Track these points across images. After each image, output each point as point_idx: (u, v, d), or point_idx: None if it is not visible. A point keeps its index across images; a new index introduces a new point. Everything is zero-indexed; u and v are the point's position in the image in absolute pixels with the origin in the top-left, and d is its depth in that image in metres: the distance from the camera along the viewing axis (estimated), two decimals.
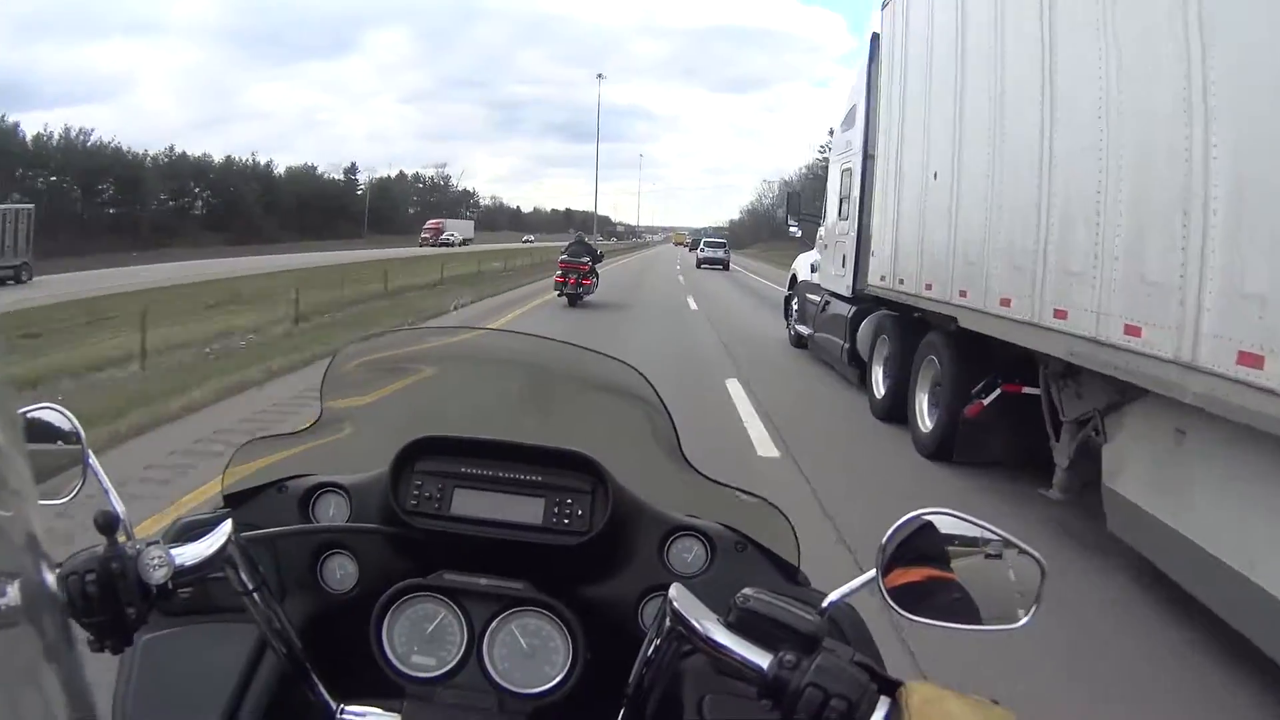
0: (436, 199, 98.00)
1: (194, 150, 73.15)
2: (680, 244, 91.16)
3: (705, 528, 1.09)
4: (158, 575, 0.78)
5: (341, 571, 1.06)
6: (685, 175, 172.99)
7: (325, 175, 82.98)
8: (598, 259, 16.83)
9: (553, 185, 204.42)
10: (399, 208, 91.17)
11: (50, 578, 0.41)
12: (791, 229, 11.97)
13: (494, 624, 0.97)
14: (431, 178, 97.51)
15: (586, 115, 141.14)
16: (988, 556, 0.83)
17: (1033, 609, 0.82)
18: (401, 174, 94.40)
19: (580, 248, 16.68)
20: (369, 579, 1.04)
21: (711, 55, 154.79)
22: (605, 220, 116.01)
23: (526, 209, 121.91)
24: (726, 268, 43.38)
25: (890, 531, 0.81)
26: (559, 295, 16.22)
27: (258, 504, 1.10)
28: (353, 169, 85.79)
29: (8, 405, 0.41)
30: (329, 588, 1.06)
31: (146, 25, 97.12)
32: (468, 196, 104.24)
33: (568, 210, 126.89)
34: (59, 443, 0.92)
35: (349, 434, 1.23)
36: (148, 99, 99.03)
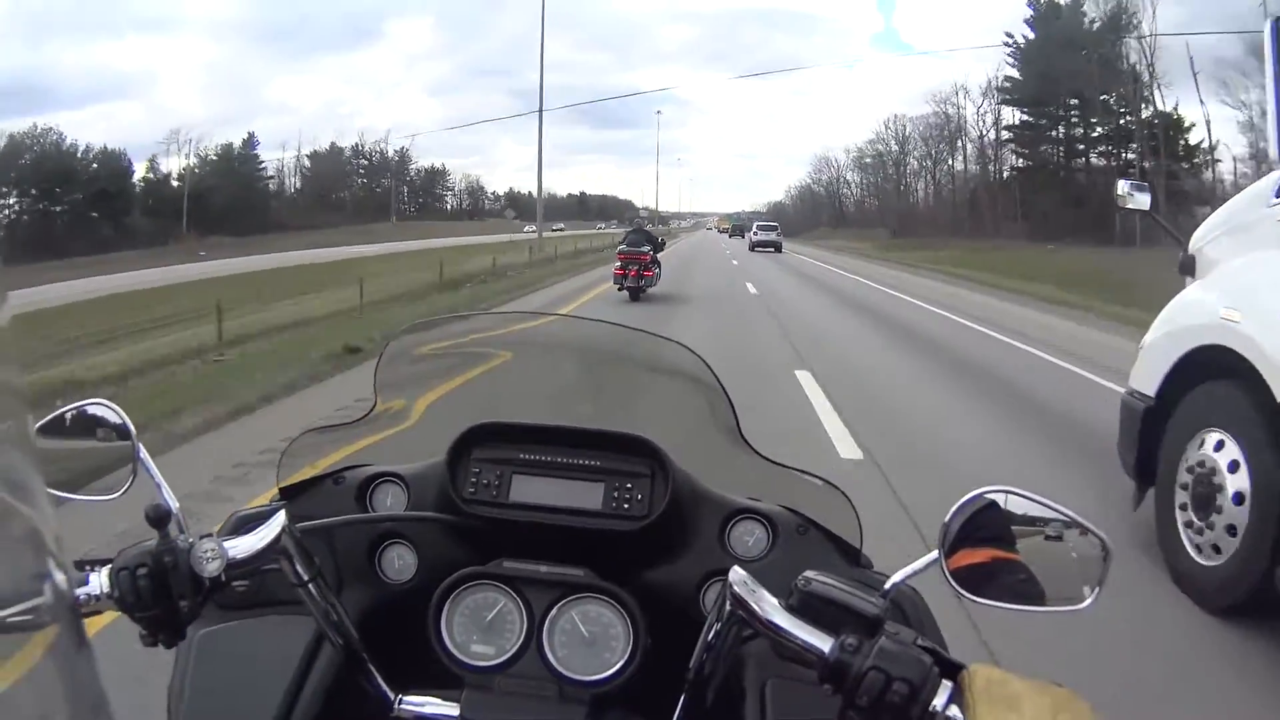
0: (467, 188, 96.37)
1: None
2: (723, 229, 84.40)
3: (767, 510, 1.07)
4: (211, 567, 0.78)
5: (400, 561, 1.06)
6: (715, 160, 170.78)
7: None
8: (659, 248, 15.52)
9: (580, 172, 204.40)
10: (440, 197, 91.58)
11: (61, 578, 0.40)
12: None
13: (554, 611, 0.96)
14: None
15: (614, 102, 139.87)
16: (1051, 536, 0.81)
17: (1096, 591, 0.79)
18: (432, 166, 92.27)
19: (640, 236, 15.37)
20: (427, 568, 1.04)
21: (739, 39, 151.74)
22: (627, 205, 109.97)
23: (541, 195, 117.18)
24: (779, 250, 43.96)
25: (953, 511, 0.79)
26: (618, 289, 14.84)
27: (314, 495, 1.10)
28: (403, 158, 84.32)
29: (18, 406, 0.40)
30: (387, 578, 1.05)
31: (162, 22, 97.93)
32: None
33: (582, 194, 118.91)
34: (110, 438, 0.93)
35: (405, 423, 1.23)
36: (169, 95, 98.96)
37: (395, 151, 79.32)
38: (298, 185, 72.40)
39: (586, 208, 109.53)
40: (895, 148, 67.83)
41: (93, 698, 0.41)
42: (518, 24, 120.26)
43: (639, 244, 14.94)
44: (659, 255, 15.21)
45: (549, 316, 1.59)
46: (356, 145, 77.48)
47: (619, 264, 14.86)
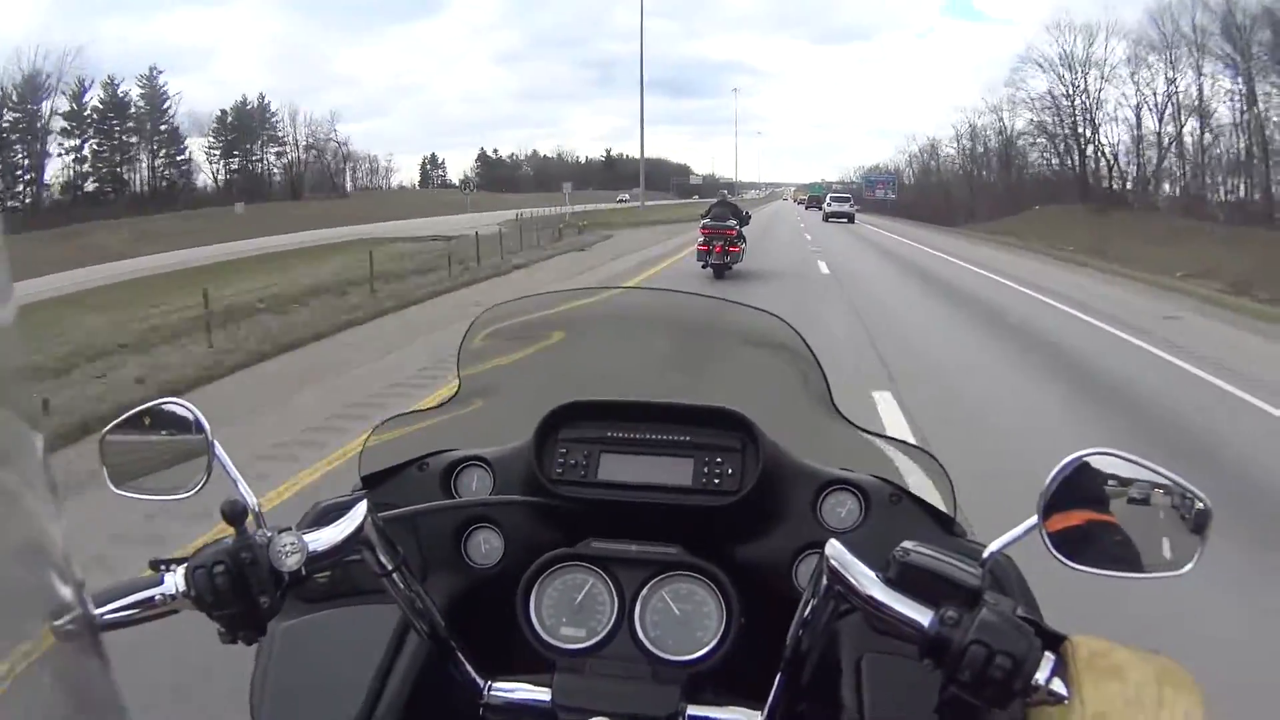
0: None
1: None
2: (799, 200, 78.35)
3: (859, 480, 1.05)
4: (290, 562, 0.76)
5: (486, 546, 1.05)
6: (788, 130, 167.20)
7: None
8: (745, 221, 14.18)
9: (658, 142, 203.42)
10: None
11: (68, 591, 0.39)
12: None
13: (644, 591, 0.95)
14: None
15: (685, 71, 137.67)
16: (1148, 499, 0.77)
17: (1197, 554, 0.75)
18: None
19: (724, 209, 14.05)
20: (514, 552, 1.03)
21: (811, 5, 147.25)
22: (684, 170, 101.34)
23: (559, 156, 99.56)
24: (852, 220, 43.35)
25: (1052, 475, 0.75)
26: (703, 266, 13.55)
27: (398, 483, 1.09)
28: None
29: (24, 413, 0.39)
30: (473, 563, 1.05)
31: None
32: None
33: (608, 154, 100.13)
34: (184, 435, 0.91)
35: (489, 405, 1.22)
36: (231, 68, 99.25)
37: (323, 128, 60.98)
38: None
39: (614, 169, 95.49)
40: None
41: (109, 711, 0.40)
42: None
43: (724, 217, 13.78)
44: (744, 230, 14.17)
45: (636, 290, 1.56)
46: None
47: (702, 239, 13.66)
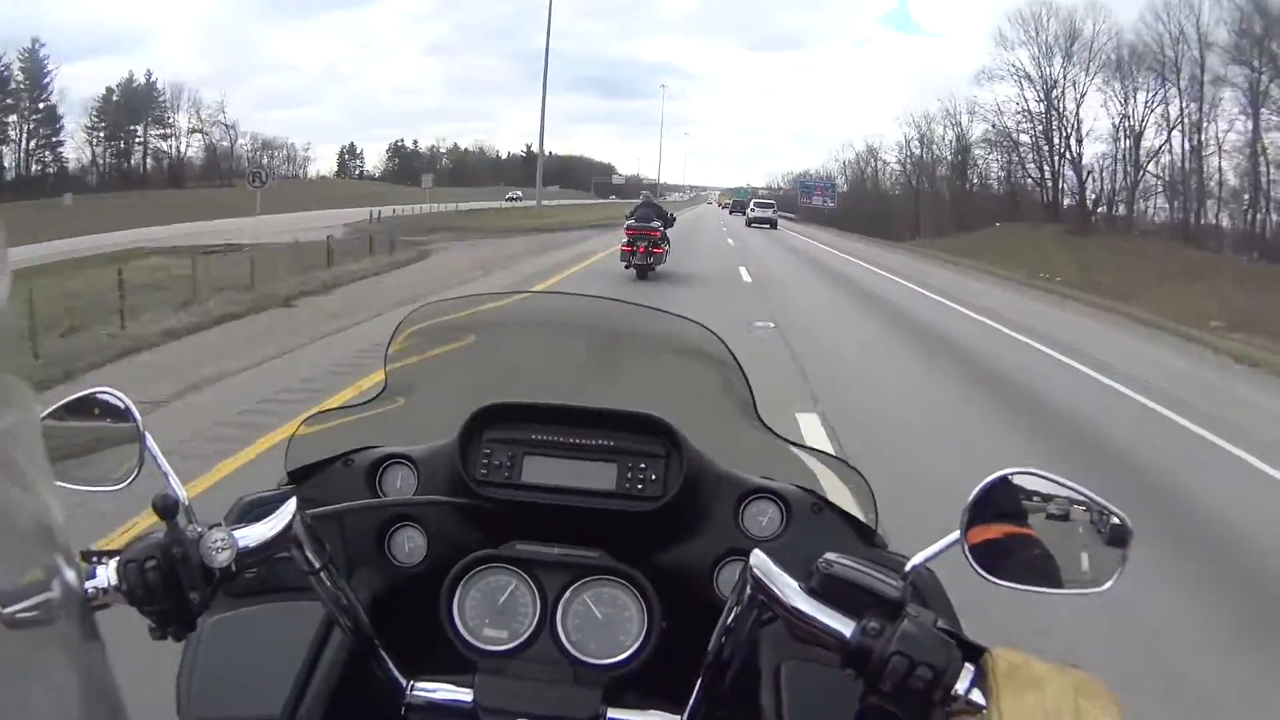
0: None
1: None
2: (724, 205, 75.74)
3: (781, 490, 1.06)
4: (221, 558, 0.77)
5: (410, 545, 1.06)
6: (716, 135, 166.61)
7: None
8: (669, 223, 14.29)
9: (584, 141, 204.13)
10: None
11: (71, 574, 0.40)
12: None
13: (567, 594, 0.96)
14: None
15: (616, 71, 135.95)
16: (1067, 515, 0.79)
17: (1117, 572, 0.78)
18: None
19: (649, 210, 14.07)
20: (438, 552, 1.04)
21: (746, 10, 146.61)
22: (607, 169, 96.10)
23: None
24: (774, 226, 41.72)
25: (975, 492, 0.77)
26: (626, 267, 13.62)
27: (324, 479, 1.10)
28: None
29: (24, 398, 0.40)
30: (397, 562, 1.05)
31: None
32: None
33: (528, 150, 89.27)
34: (114, 424, 0.91)
35: (415, 403, 1.23)
36: (167, 51, 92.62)
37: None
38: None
39: (529, 165, 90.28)
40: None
41: (105, 689, 0.40)
42: None
43: (648, 219, 13.80)
44: (668, 231, 14.29)
45: (563, 295, 1.58)
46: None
47: (626, 240, 13.67)
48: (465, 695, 0.91)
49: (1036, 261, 25.43)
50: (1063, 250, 28.51)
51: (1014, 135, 40.81)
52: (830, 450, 1.18)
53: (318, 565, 0.85)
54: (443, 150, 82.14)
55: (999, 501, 0.77)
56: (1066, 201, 38.19)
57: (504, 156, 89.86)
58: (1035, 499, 0.78)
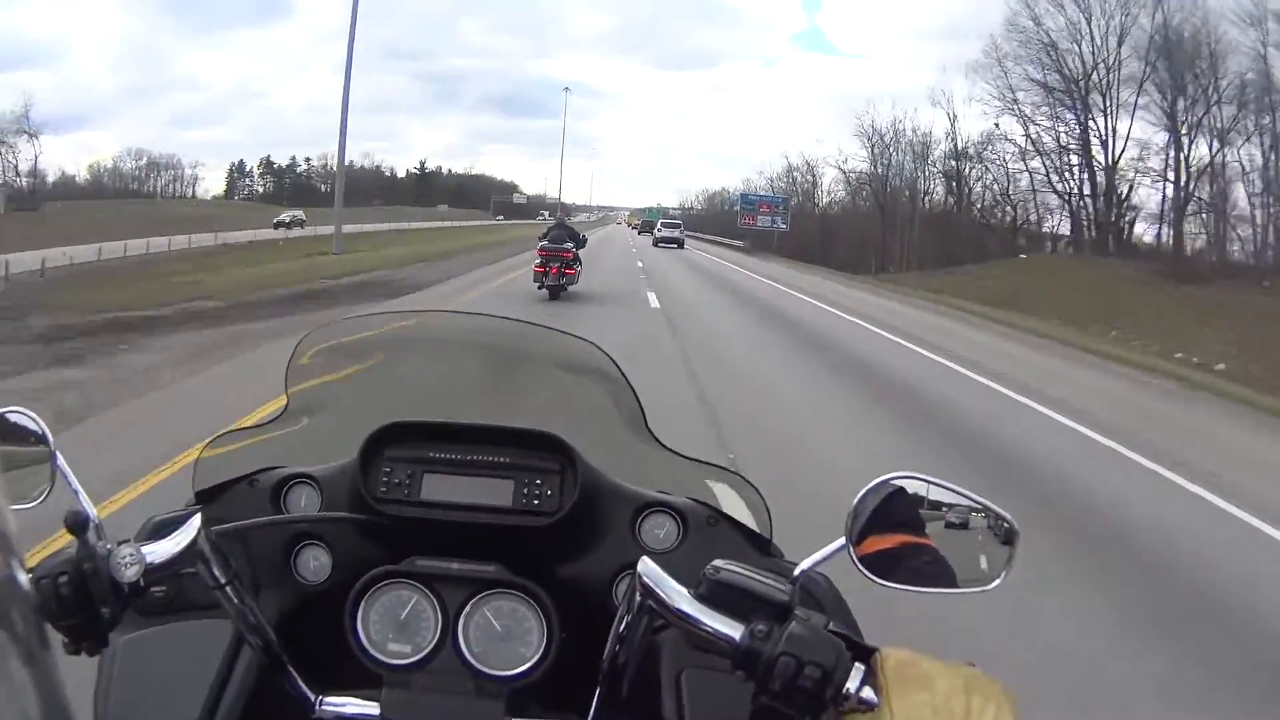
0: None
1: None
2: (633, 225, 73.14)
3: (676, 503, 1.09)
4: (130, 573, 0.78)
5: (315, 562, 1.06)
6: (626, 154, 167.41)
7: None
8: (581, 244, 14.69)
9: (491, 161, 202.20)
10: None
11: (24, 578, 0.41)
12: None
13: (467, 608, 0.98)
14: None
15: (526, 89, 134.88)
16: (960, 521, 0.85)
17: (1005, 571, 0.84)
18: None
19: (562, 232, 14.48)
20: (342, 569, 1.05)
21: (658, 30, 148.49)
22: (510, 187, 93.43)
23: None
24: (682, 245, 40.23)
25: (858, 498, 0.82)
26: (539, 288, 13.93)
27: (230, 499, 1.10)
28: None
29: None
30: (303, 579, 1.06)
31: None
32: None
33: (422, 166, 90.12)
34: (27, 445, 0.92)
35: (316, 423, 1.24)
36: (81, 66, 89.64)
37: None
38: None
39: (429, 186, 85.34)
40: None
41: (55, 699, 0.41)
42: (429, 4, 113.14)
43: (561, 240, 14.14)
44: (580, 253, 14.61)
45: (461, 313, 1.60)
46: None
47: (539, 260, 13.94)
48: (372, 709, 0.93)
49: (1126, 319, 16.28)
50: (1166, 303, 18.01)
51: (1036, 141, 32.70)
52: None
53: (223, 580, 0.87)
54: (323, 168, 75.66)
55: (897, 511, 0.82)
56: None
57: (399, 175, 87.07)
58: (922, 503, 0.83)
